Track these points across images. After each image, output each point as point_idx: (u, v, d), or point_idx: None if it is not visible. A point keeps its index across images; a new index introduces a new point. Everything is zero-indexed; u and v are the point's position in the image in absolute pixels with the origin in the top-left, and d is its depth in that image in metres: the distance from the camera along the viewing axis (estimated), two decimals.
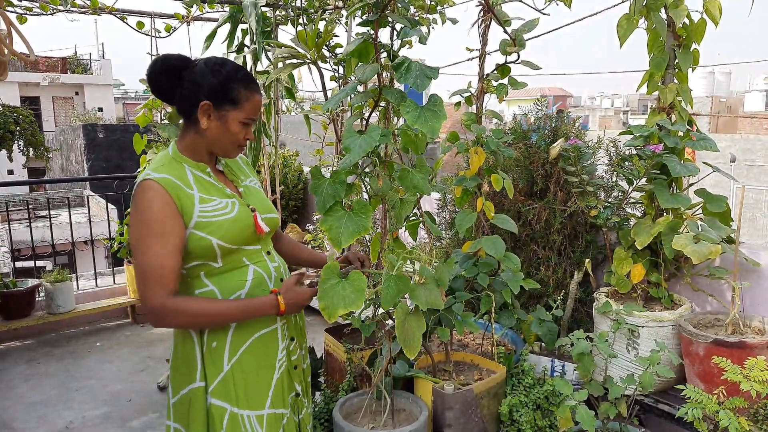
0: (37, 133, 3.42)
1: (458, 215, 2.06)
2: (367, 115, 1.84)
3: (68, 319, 4.14)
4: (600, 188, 2.60)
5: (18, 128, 3.28)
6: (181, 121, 1.48)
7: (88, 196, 8.52)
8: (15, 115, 3.23)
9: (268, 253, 1.53)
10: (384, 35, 1.77)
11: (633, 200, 2.58)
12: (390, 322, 1.98)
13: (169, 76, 1.39)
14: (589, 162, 2.45)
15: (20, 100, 22.80)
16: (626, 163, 2.57)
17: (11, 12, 3.68)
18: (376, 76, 1.72)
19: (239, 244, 1.41)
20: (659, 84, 2.54)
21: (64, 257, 8.56)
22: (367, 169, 1.85)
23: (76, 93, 25.06)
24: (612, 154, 2.60)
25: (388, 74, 1.81)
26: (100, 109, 23.65)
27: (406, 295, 1.69)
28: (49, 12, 3.76)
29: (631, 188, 2.44)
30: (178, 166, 1.40)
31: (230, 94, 1.38)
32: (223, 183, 1.47)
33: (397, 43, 1.80)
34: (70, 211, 4.48)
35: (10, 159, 3.26)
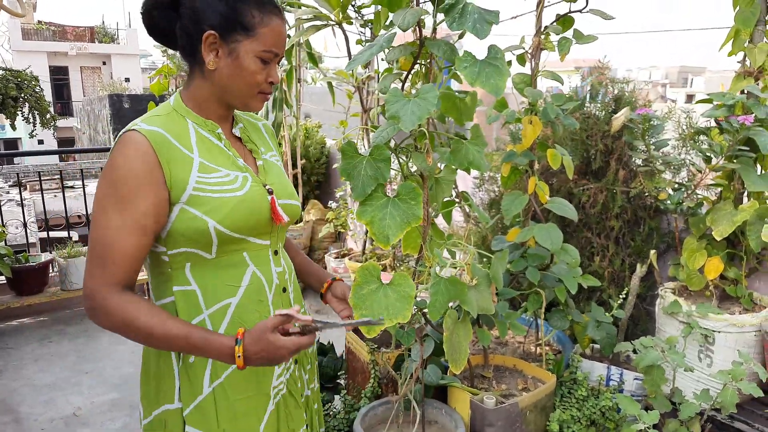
0: (42, 99, 3.17)
1: (505, 198, 1.73)
2: (403, 76, 1.51)
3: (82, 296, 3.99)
4: (668, 167, 2.23)
5: (22, 94, 3.04)
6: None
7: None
8: (18, 80, 2.99)
9: (276, 253, 1.17)
10: None
11: (707, 182, 2.20)
12: (422, 320, 1.69)
13: (165, 9, 1.08)
14: (659, 136, 2.08)
15: (49, 69, 22.94)
16: (701, 137, 2.19)
17: None
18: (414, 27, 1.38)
19: (244, 233, 1.08)
20: (746, 44, 2.14)
21: (84, 229, 8.49)
22: (404, 143, 1.53)
23: (104, 63, 25.12)
24: (684, 126, 2.21)
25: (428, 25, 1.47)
26: (127, 80, 23.64)
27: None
28: None
29: (709, 167, 2.07)
30: (179, 121, 1.08)
31: (241, 18, 1.03)
32: (238, 152, 1.14)
33: None
34: (83, 182, 4.28)
35: (13, 127, 3.04)
